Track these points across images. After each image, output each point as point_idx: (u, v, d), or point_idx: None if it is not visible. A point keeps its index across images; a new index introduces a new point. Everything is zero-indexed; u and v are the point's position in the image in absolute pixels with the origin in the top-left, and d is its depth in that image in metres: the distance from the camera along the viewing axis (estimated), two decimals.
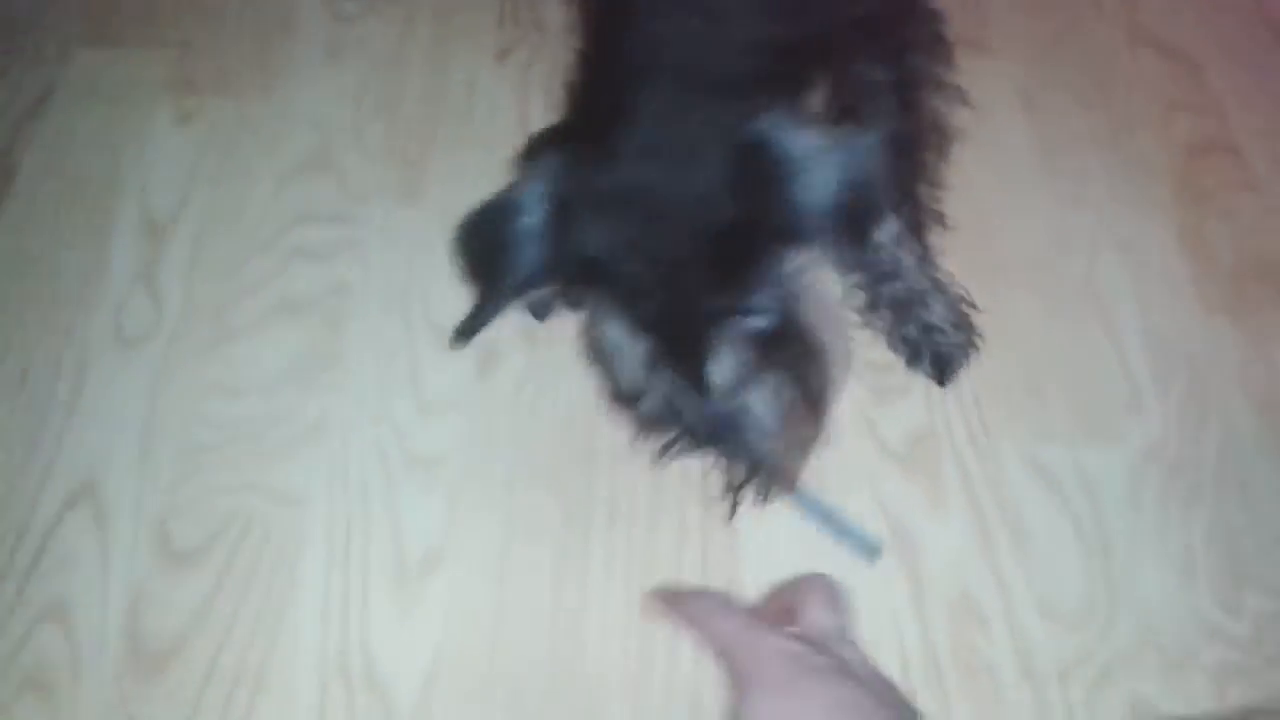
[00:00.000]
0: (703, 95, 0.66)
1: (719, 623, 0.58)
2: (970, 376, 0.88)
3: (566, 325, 0.90)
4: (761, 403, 0.66)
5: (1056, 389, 0.87)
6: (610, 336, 0.68)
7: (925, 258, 0.90)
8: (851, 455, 0.84)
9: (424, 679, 0.75)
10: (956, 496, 0.82)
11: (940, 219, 0.91)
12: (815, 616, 0.57)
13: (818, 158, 0.62)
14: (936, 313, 0.89)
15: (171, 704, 0.73)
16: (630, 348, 0.67)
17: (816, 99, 0.79)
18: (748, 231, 0.63)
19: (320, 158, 1.01)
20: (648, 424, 0.71)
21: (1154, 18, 1.11)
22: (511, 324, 0.91)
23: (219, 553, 0.80)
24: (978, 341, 0.89)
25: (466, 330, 0.70)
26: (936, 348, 0.88)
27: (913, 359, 0.89)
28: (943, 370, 0.88)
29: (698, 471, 0.83)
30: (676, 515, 0.82)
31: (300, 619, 0.77)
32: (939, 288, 0.89)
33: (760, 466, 0.70)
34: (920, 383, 0.88)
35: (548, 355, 0.90)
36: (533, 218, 0.66)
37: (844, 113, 0.82)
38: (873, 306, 0.90)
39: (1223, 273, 0.93)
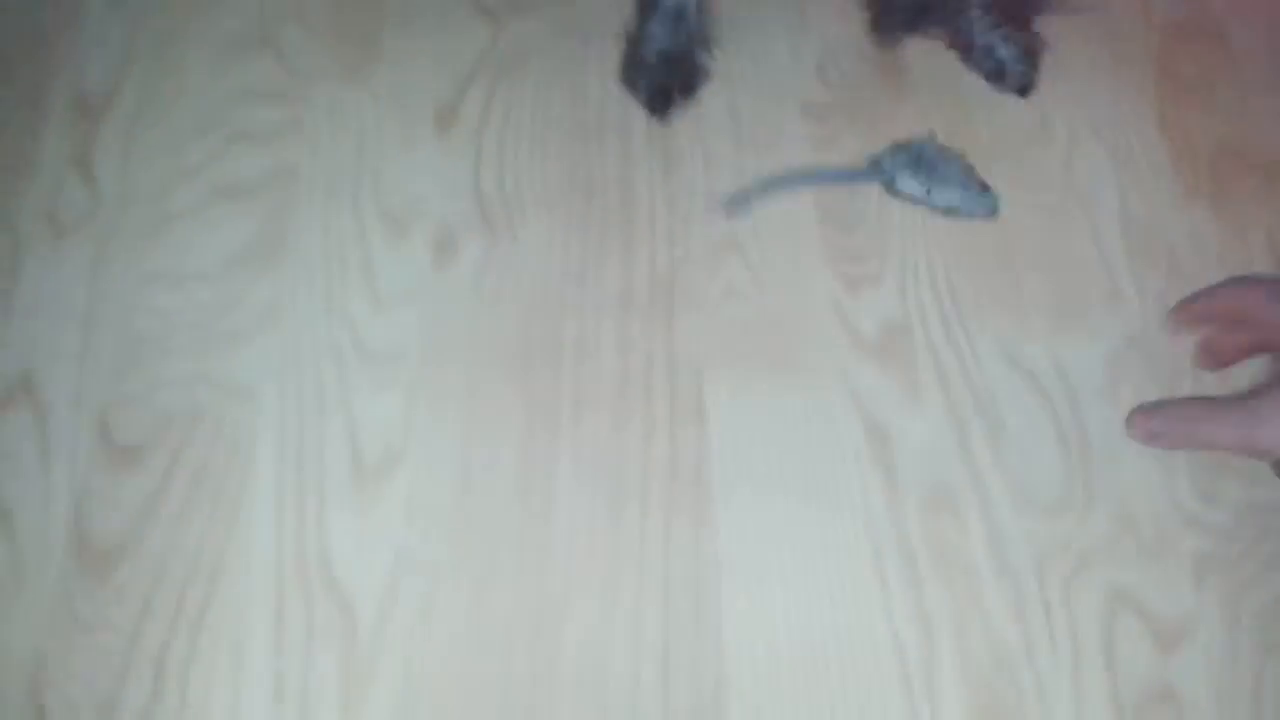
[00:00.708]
0: None
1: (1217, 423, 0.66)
2: (944, 265, 0.85)
3: (525, 214, 0.87)
4: None
5: (1034, 279, 0.85)
6: None
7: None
8: (823, 346, 0.82)
9: (385, 583, 0.72)
10: (931, 389, 0.80)
11: None
12: None
13: None
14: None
15: (121, 604, 0.70)
16: None
17: None
18: None
19: (260, 33, 0.95)
20: None
21: None
22: (464, 207, 0.87)
23: (166, 448, 0.76)
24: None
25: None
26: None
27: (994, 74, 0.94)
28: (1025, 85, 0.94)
29: (664, 361, 0.81)
30: (644, 408, 0.79)
31: (254, 519, 0.74)
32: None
33: None
34: (894, 271, 0.85)
35: (508, 245, 0.86)
36: None
37: None
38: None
39: (1202, 159, 0.90)
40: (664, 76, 0.92)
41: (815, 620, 0.71)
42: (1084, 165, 0.90)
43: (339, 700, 0.67)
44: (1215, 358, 0.77)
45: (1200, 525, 0.74)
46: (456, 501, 0.75)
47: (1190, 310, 0.75)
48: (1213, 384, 0.79)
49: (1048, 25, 0.97)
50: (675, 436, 0.78)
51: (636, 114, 0.93)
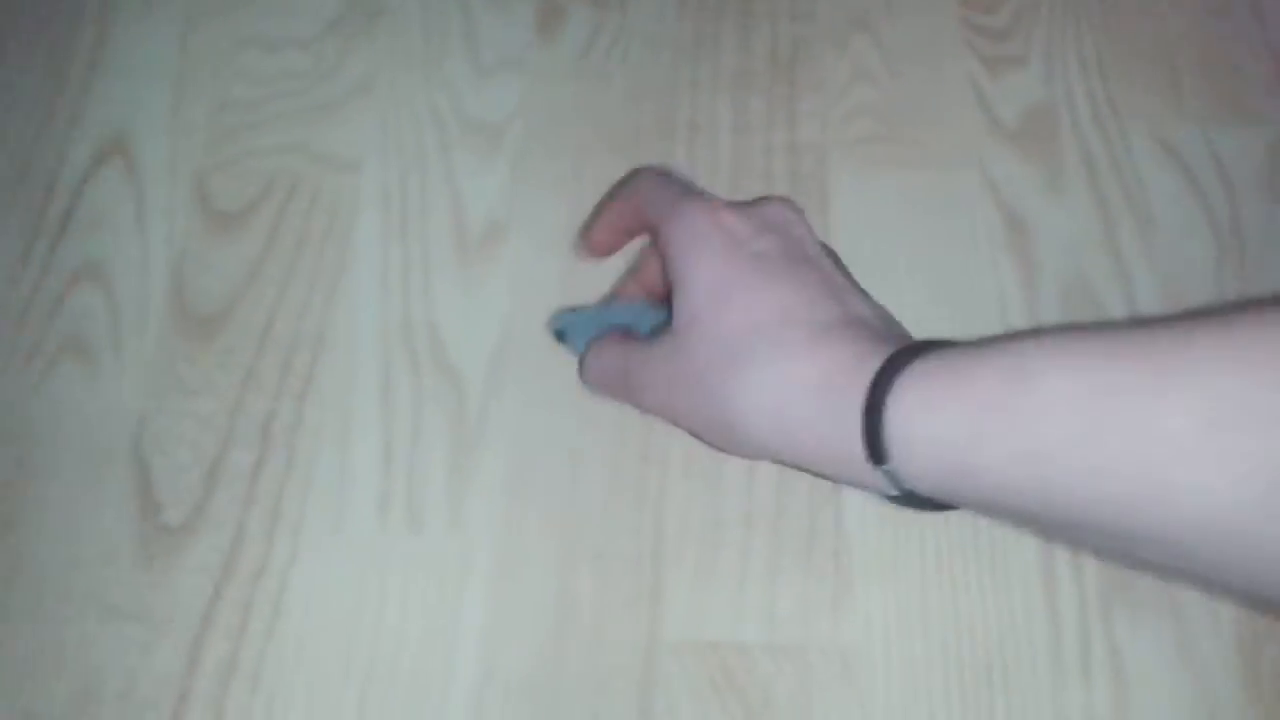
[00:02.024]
0: None
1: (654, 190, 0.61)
2: (1095, 47, 0.78)
3: None
4: None
5: (1191, 63, 0.78)
6: None
7: None
8: (960, 131, 0.76)
9: (493, 352, 0.69)
10: (1076, 177, 0.74)
11: None
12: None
13: None
14: None
15: (225, 367, 0.68)
16: None
17: None
18: None
19: None
20: None
21: None
22: None
23: (265, 215, 0.73)
24: None
25: None
26: None
27: None
28: None
29: (784, 145, 0.75)
30: (763, 192, 0.74)
31: (358, 286, 0.71)
32: None
33: None
34: (1040, 52, 0.78)
35: (618, 12, 0.80)
36: None
37: None
38: None
39: None
40: None
41: None
42: None
43: (448, 463, 0.66)
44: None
45: None
46: (561, 279, 0.72)
47: (592, 239, 0.67)
48: None
49: None
50: None
51: None
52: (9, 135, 0.76)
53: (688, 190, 0.59)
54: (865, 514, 0.64)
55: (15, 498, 0.65)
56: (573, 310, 0.69)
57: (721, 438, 0.56)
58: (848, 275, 0.58)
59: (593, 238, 0.67)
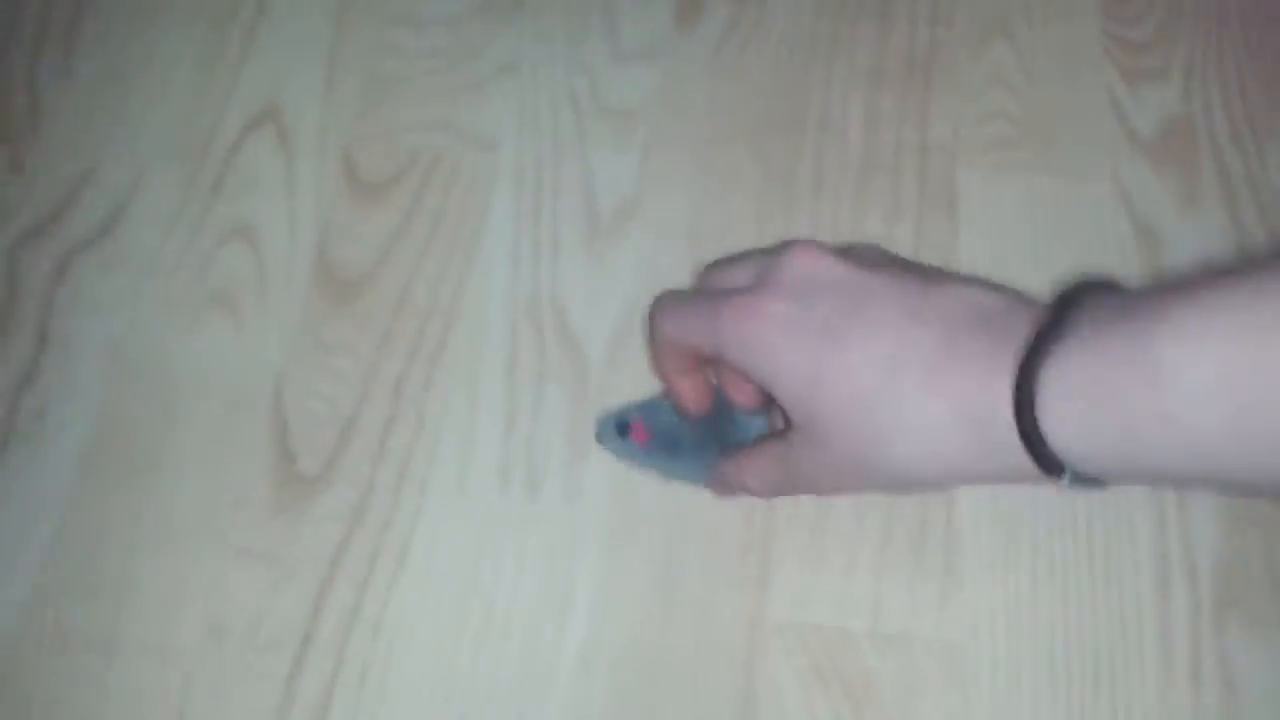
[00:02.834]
0: None
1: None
2: (1237, 63, 0.77)
3: None
4: None
5: None
6: None
7: None
8: (1095, 141, 0.76)
9: (615, 330, 0.71)
10: (1211, 194, 0.73)
11: None
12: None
13: None
14: None
15: (363, 330, 0.71)
16: None
17: None
18: None
19: None
20: None
21: None
22: None
23: (407, 187, 0.76)
24: None
25: None
26: None
27: None
28: None
29: (915, 144, 0.76)
30: (890, 191, 0.75)
31: (491, 261, 0.73)
32: None
33: None
34: (1180, 66, 0.78)
35: (756, 8, 0.82)
36: None
37: None
38: None
39: None
40: None
41: None
42: None
43: (566, 436, 0.68)
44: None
45: None
46: (685, 265, 0.73)
47: (684, 400, 0.61)
48: None
49: None
50: (922, 221, 0.74)
51: None
52: (169, 97, 0.80)
53: (707, 301, 0.55)
54: (979, 511, 0.65)
55: (159, 441, 0.68)
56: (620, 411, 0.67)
57: (905, 491, 0.59)
58: (907, 267, 0.54)
59: (682, 399, 0.61)
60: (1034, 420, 0.45)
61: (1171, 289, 0.43)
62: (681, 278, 0.72)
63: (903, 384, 0.49)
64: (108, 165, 0.77)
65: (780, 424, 0.62)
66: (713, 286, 0.59)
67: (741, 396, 0.61)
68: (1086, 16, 0.80)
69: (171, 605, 0.64)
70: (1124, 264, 0.71)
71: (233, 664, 0.62)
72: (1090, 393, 0.44)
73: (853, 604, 0.63)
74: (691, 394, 0.61)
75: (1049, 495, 0.64)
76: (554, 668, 0.62)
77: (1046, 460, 0.46)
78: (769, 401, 0.61)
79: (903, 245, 0.73)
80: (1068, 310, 0.47)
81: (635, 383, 0.69)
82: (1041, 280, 0.70)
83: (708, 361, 0.59)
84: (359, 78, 0.80)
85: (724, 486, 0.63)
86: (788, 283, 0.52)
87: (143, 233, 0.74)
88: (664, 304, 0.59)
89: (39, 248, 0.74)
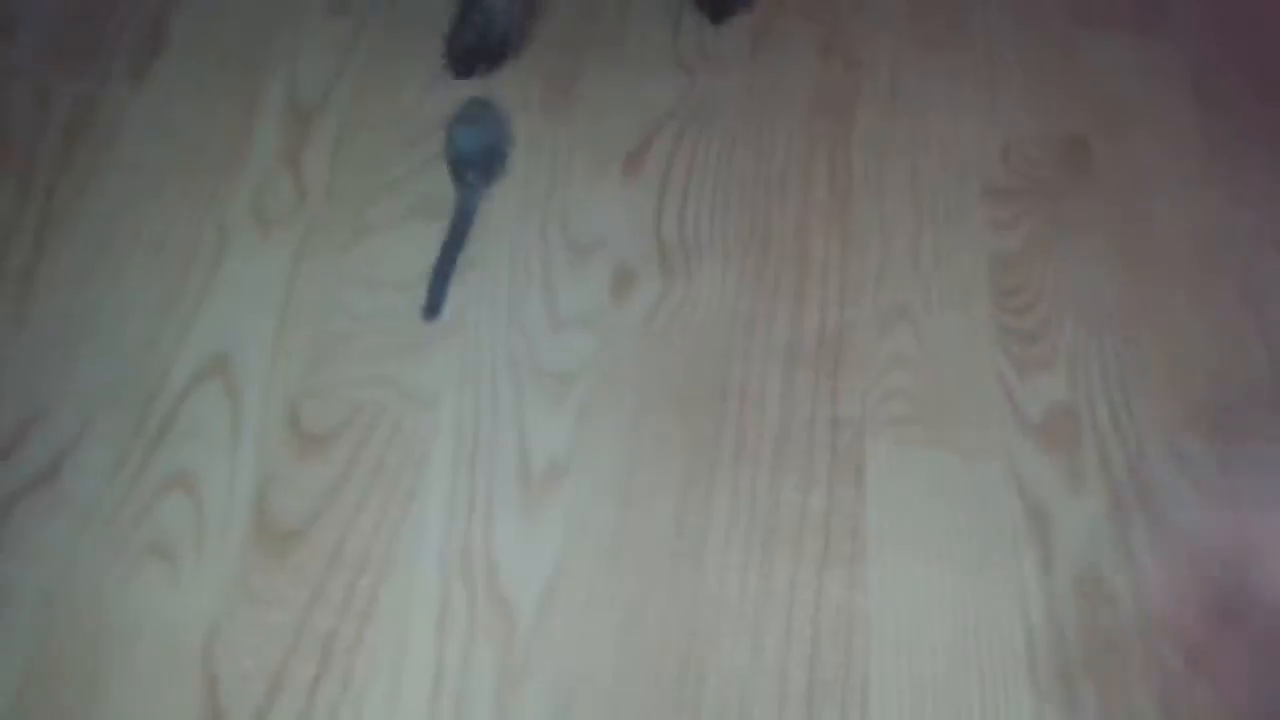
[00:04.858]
0: None
1: None
2: (1115, 354, 0.86)
3: (702, 259, 0.90)
4: None
5: (1204, 380, 0.85)
6: None
7: None
8: (988, 422, 0.83)
9: (544, 588, 0.74)
10: (1095, 478, 0.80)
11: None
12: None
13: None
14: None
15: (295, 583, 0.73)
16: None
17: None
18: None
19: None
20: None
21: None
22: (644, 247, 0.90)
23: (349, 441, 0.79)
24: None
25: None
26: None
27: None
28: (717, 10, 1.03)
29: (826, 419, 0.82)
30: (805, 461, 0.81)
31: (426, 515, 0.77)
32: None
33: None
34: (1064, 357, 0.86)
35: (683, 285, 0.89)
36: None
37: None
38: None
39: None
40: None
41: (962, 694, 0.71)
42: (1261, 275, 0.91)
43: (494, 696, 0.69)
44: None
45: None
46: (615, 524, 0.77)
47: None
48: None
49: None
50: (833, 492, 0.80)
51: (820, 171, 0.95)
52: (122, 343, 0.83)
53: None
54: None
55: (87, 694, 0.68)
56: None
57: None
58: None
59: None
60: None
61: None
62: (610, 538, 0.76)
63: None
64: (55, 409, 0.79)
65: None
66: None
67: None
68: (980, 305, 0.89)
69: None
70: (1016, 542, 0.77)
71: None
72: None
73: None
74: None
75: None
76: None
77: None
78: None
79: (814, 515, 0.78)
80: None
81: (563, 645, 0.72)
82: (944, 551, 0.76)
83: None
84: (308, 332, 0.85)
85: None
86: None
87: (85, 479, 0.76)
88: None
89: None
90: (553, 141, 0.96)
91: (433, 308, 0.86)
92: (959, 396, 0.84)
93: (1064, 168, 0.96)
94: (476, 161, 0.93)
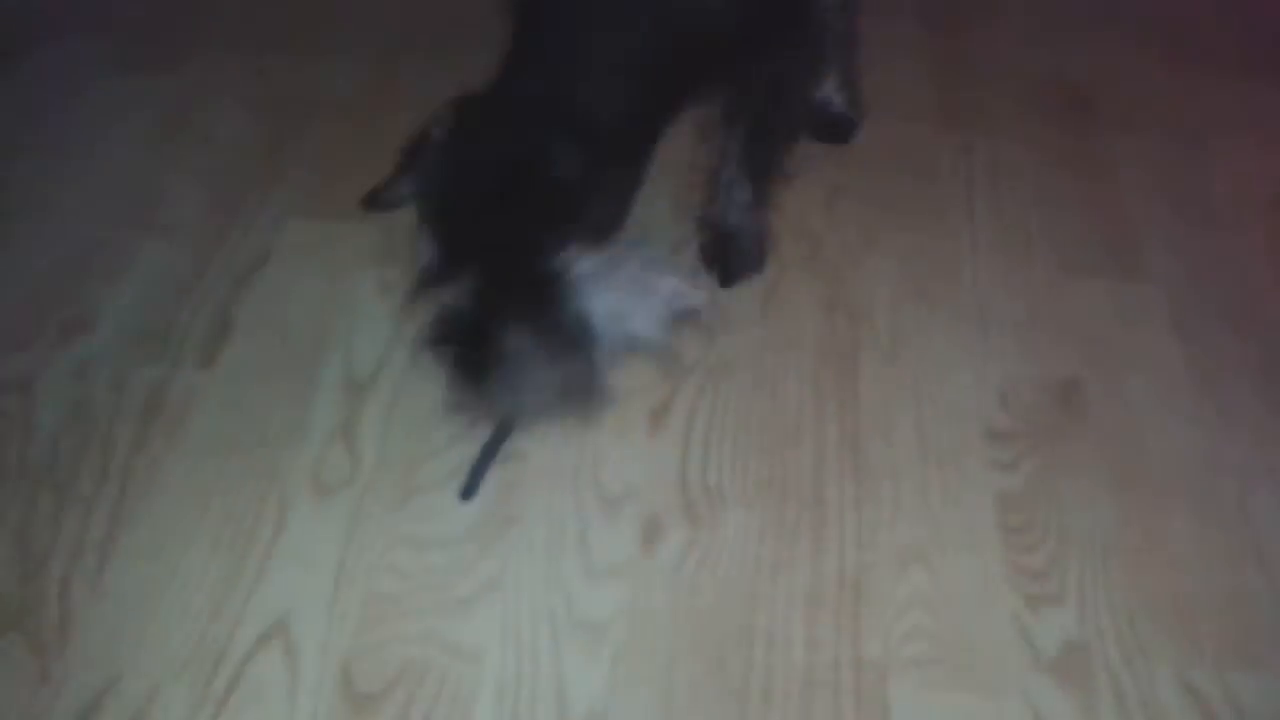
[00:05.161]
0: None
1: None
2: (1123, 588, 0.90)
3: (726, 508, 0.96)
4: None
5: (1208, 611, 0.89)
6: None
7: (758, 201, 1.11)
8: (1004, 660, 0.87)
9: None
10: (1108, 711, 0.83)
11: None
12: None
13: None
14: (742, 240, 1.13)
15: None
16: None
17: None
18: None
19: None
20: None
21: None
22: (671, 498, 0.97)
23: (398, 698, 0.85)
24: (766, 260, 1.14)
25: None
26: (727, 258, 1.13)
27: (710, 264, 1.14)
28: (727, 275, 1.13)
29: (850, 661, 0.87)
30: (831, 704, 0.85)
31: None
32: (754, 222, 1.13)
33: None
34: (1073, 593, 0.90)
35: (708, 533, 0.95)
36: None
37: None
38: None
39: None
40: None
41: None
42: (1257, 503, 0.96)
43: None
44: None
45: None
46: None
47: None
48: None
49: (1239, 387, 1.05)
50: None
51: (831, 419, 1.03)
52: (191, 612, 0.90)
53: None
54: None
55: None
56: None
57: None
58: None
59: None
60: None
61: None
62: None
63: None
64: (128, 678, 0.85)
65: None
66: None
67: None
68: (990, 544, 0.94)
69: None
70: None
71: None
72: None
73: None
74: None
75: None
76: None
77: None
78: None
79: None
80: None
81: None
82: None
83: None
84: (361, 593, 0.91)
85: None
86: None
87: None
88: None
89: None
90: None
91: (468, 491, 0.96)
92: (976, 634, 0.89)
93: (1060, 409, 1.03)
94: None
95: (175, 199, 1.24)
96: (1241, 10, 1.53)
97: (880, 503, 0.97)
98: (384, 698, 0.85)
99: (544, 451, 1.01)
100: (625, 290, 0.86)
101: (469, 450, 0.99)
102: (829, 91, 1.26)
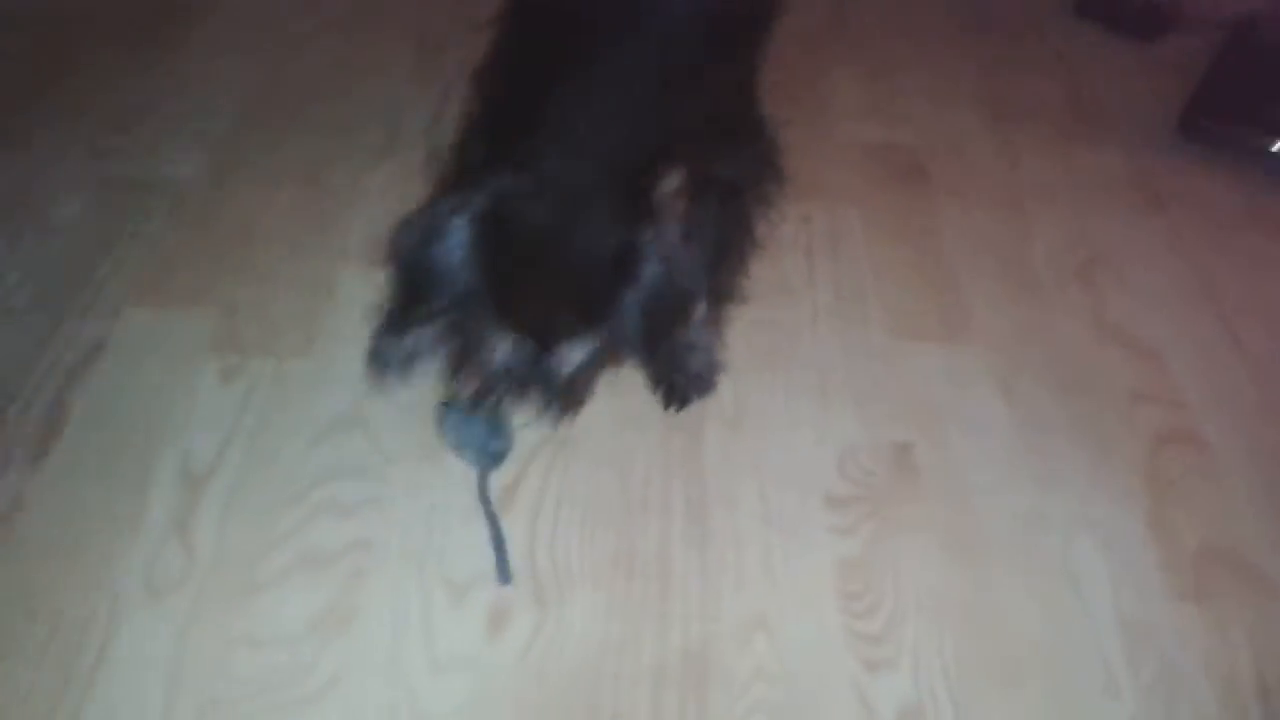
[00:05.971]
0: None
1: None
2: (954, 651, 0.93)
3: (573, 588, 0.96)
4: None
5: (1034, 670, 0.93)
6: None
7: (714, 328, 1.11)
8: None
9: None
10: None
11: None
12: None
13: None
14: (696, 360, 1.10)
15: None
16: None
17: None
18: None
19: (354, 416, 1.08)
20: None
21: (1119, 313, 1.23)
22: (520, 582, 0.97)
23: None
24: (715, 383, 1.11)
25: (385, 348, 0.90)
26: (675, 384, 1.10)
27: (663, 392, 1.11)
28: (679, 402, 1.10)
29: None
30: None
31: None
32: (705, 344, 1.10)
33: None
34: (908, 656, 0.93)
35: (555, 614, 0.95)
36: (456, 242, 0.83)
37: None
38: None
39: (1187, 559, 1.00)
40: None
41: None
42: (1079, 559, 1.00)
43: None
44: None
45: None
46: None
47: None
48: None
49: (1050, 430, 1.10)
50: None
51: (677, 490, 1.04)
52: None
53: None
54: None
55: None
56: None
57: None
58: None
59: None
60: None
61: None
62: None
63: None
64: None
65: None
66: None
67: None
68: (829, 610, 0.96)
69: None
70: None
71: None
72: None
73: None
74: None
75: None
76: None
77: None
78: None
79: None
80: None
81: None
82: None
83: None
84: (195, 701, 0.88)
85: None
86: None
87: None
88: None
89: None
90: (430, 482, 1.04)
91: (503, 575, 0.97)
92: (819, 702, 0.90)
93: (894, 472, 1.07)
94: (473, 444, 1.05)
95: (7, 285, 1.20)
96: (1065, 77, 1.62)
97: (725, 571, 0.99)
98: None
99: (390, 537, 1.00)
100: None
101: (311, 540, 0.98)
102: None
